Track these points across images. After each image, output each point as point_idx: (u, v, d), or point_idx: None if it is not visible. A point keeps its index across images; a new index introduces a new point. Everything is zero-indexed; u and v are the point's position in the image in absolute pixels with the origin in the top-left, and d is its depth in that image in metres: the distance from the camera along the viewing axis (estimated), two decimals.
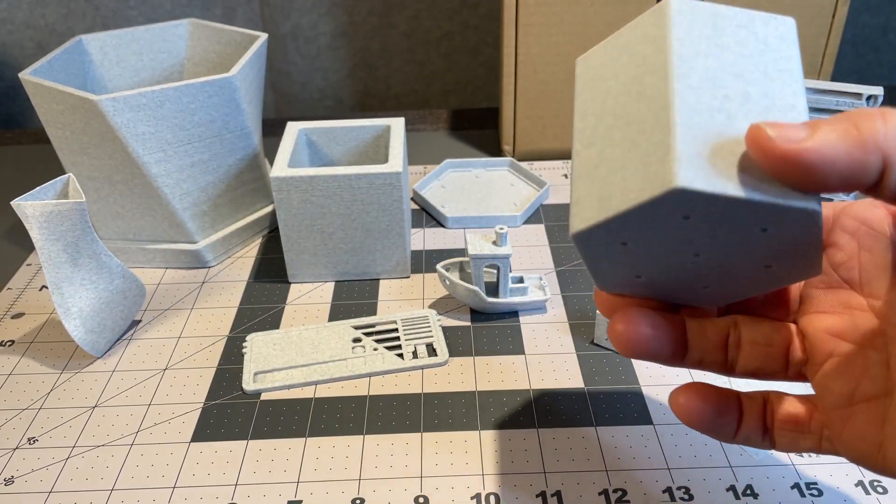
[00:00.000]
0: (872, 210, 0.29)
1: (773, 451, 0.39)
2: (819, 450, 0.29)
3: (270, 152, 0.65)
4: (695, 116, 0.25)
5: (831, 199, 0.27)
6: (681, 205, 0.24)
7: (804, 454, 0.39)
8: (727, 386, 0.32)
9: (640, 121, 0.26)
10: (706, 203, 0.24)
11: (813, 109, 0.52)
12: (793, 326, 0.30)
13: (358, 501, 0.38)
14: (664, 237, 0.26)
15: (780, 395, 0.31)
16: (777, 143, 0.23)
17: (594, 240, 0.27)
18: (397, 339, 0.48)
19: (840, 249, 0.29)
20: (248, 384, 0.45)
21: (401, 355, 0.47)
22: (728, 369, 0.31)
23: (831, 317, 0.29)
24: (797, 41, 0.27)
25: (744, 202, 0.23)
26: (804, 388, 0.31)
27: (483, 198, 0.63)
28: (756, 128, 0.23)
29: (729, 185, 0.23)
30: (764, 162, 0.23)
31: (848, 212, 0.29)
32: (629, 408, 0.43)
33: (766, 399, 0.31)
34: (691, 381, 0.32)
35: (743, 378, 0.31)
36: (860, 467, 0.31)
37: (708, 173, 0.23)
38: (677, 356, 0.30)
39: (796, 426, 0.30)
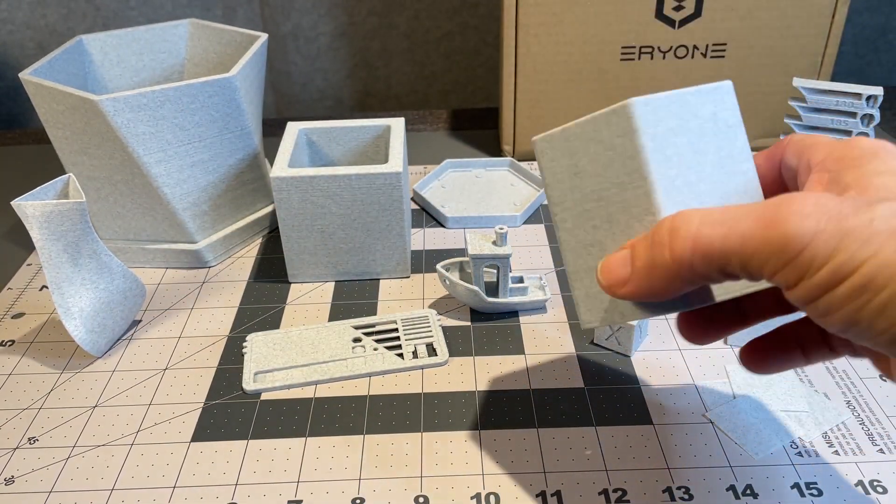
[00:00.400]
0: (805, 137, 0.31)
1: (772, 452, 0.40)
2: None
3: (270, 152, 0.65)
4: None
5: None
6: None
7: (805, 454, 0.39)
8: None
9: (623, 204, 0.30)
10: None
11: (814, 109, 0.52)
12: None
13: (358, 501, 0.38)
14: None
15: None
16: (611, 290, 0.29)
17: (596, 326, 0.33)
18: (397, 339, 0.48)
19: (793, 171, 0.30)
20: (249, 384, 0.45)
21: (401, 355, 0.47)
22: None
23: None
24: (738, 116, 0.30)
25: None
26: None
27: (483, 198, 0.63)
28: (597, 275, 0.29)
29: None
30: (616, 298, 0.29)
31: (788, 149, 0.31)
32: (629, 408, 0.43)
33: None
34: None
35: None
36: None
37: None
38: (739, 322, 0.33)
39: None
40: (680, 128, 0.29)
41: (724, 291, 0.29)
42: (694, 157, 0.29)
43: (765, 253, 0.24)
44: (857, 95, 0.50)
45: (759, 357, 0.33)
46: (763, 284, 0.27)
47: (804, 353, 0.32)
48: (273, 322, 0.51)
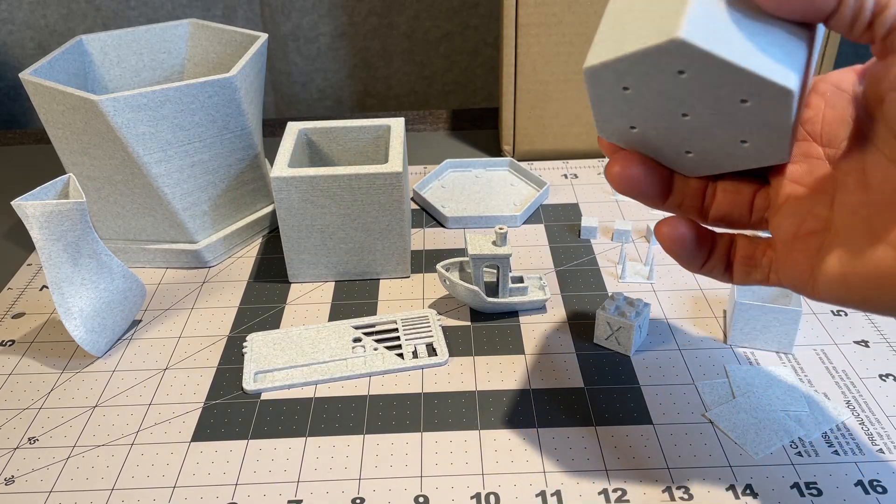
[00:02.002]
0: (843, 74, 0.32)
1: (772, 451, 0.40)
2: (767, 282, 0.33)
3: (271, 152, 0.65)
4: None
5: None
6: (678, 58, 0.27)
7: (804, 454, 0.39)
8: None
9: None
10: (700, 60, 0.27)
11: None
12: (759, 181, 0.34)
13: (358, 501, 0.38)
14: (660, 90, 0.29)
15: (744, 236, 0.35)
16: None
17: (602, 78, 0.30)
18: (397, 338, 0.48)
19: (809, 108, 0.32)
20: (249, 384, 0.45)
21: (401, 355, 0.47)
22: (703, 215, 0.34)
23: (792, 165, 0.32)
24: None
25: (731, 67, 0.26)
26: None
27: (483, 198, 0.63)
28: None
29: (723, 48, 0.26)
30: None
31: (824, 78, 0.32)
32: (629, 408, 0.43)
33: (732, 239, 0.35)
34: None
35: (714, 225, 0.35)
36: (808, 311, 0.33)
37: (709, 34, 0.26)
38: (662, 197, 0.34)
39: (751, 261, 0.34)
40: None
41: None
42: None
43: None
44: None
45: (677, 234, 0.34)
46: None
47: (725, 264, 0.34)
48: (273, 322, 0.51)
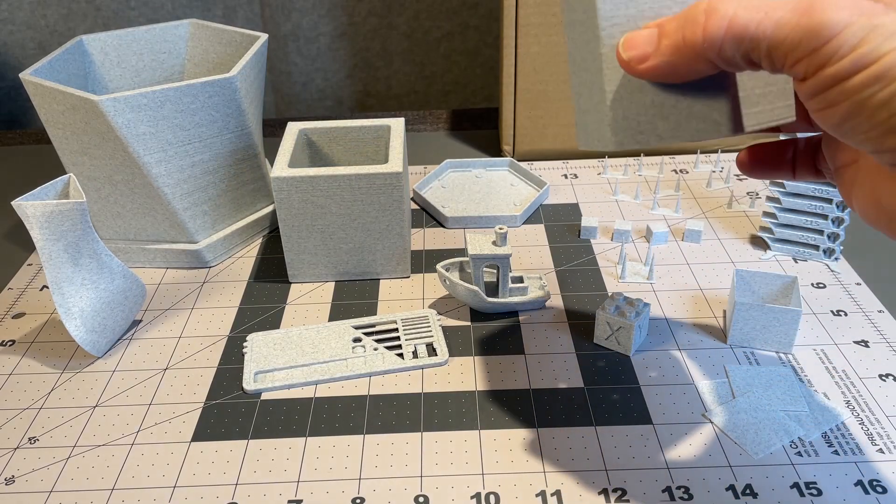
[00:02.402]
0: None
1: (771, 451, 0.40)
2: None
3: (271, 152, 0.65)
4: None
5: None
6: None
7: (804, 454, 0.39)
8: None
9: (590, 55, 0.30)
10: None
11: None
12: None
13: (358, 501, 0.38)
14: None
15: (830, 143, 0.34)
16: (630, 65, 0.28)
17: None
18: (397, 338, 0.48)
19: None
20: (249, 384, 0.45)
21: (401, 355, 0.47)
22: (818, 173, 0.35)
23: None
24: None
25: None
26: None
27: (483, 198, 0.63)
28: (617, 52, 0.29)
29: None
30: (630, 74, 0.29)
31: None
32: (629, 407, 0.43)
33: (817, 147, 0.35)
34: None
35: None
36: None
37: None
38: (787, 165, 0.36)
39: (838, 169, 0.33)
40: None
41: (753, 121, 0.30)
42: None
43: (795, 39, 0.25)
44: None
45: (753, 160, 0.36)
46: (781, 114, 0.30)
47: (793, 169, 0.36)
48: (273, 322, 0.51)
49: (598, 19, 0.29)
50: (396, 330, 0.49)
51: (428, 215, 0.62)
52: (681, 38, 0.27)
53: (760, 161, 0.36)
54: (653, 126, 0.29)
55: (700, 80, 0.29)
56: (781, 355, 0.46)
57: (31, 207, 0.43)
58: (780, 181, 0.54)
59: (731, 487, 0.38)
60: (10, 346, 0.50)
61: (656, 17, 0.29)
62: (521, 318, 0.50)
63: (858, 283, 0.52)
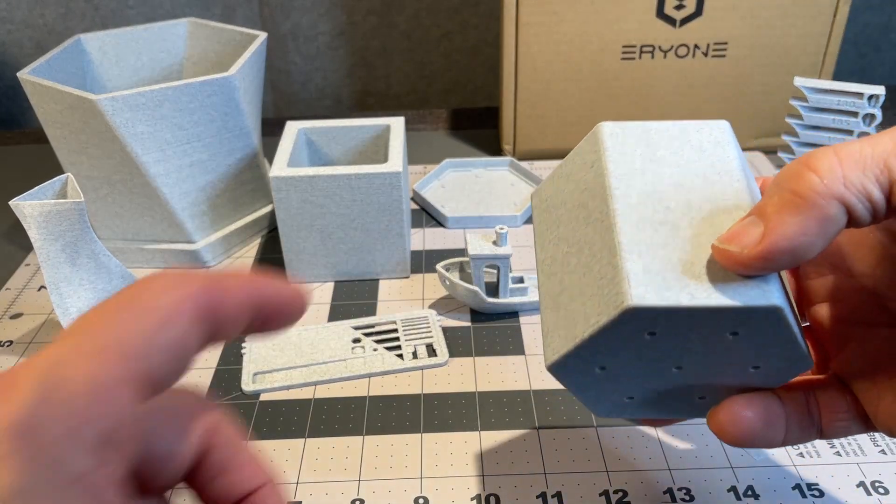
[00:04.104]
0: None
1: (773, 452, 0.39)
2: (867, 430, 0.29)
3: (270, 152, 0.65)
4: (639, 233, 0.25)
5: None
6: (641, 322, 0.24)
7: (806, 455, 0.39)
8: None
9: (590, 245, 0.26)
10: (665, 317, 0.24)
11: (815, 109, 0.51)
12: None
13: (358, 502, 0.38)
14: (638, 355, 0.26)
15: (824, 387, 0.29)
16: (743, 254, 0.23)
17: (570, 368, 0.27)
18: (397, 339, 0.48)
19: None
20: (248, 385, 0.45)
21: (401, 356, 0.47)
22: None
23: (830, 305, 0.29)
24: (734, 141, 0.28)
25: (701, 310, 0.23)
26: None
27: (483, 198, 0.63)
28: (718, 250, 0.24)
29: (682, 296, 0.23)
30: (742, 271, 0.23)
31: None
32: None
33: (809, 393, 0.29)
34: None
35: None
36: None
37: (660, 287, 0.24)
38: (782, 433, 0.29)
39: (843, 414, 0.29)
40: (650, 155, 0.27)
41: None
42: (668, 189, 0.26)
43: None
44: (859, 95, 0.50)
45: (741, 419, 0.28)
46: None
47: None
48: None
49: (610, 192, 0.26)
50: (396, 330, 0.49)
51: (428, 215, 0.62)
52: (790, 195, 0.22)
53: (751, 415, 0.28)
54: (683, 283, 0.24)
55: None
56: None
57: (29, 207, 0.43)
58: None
59: (733, 489, 0.37)
60: (7, 346, 0.49)
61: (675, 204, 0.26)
62: (521, 318, 0.50)
63: None
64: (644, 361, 0.26)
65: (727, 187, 0.26)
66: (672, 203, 0.26)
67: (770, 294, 0.23)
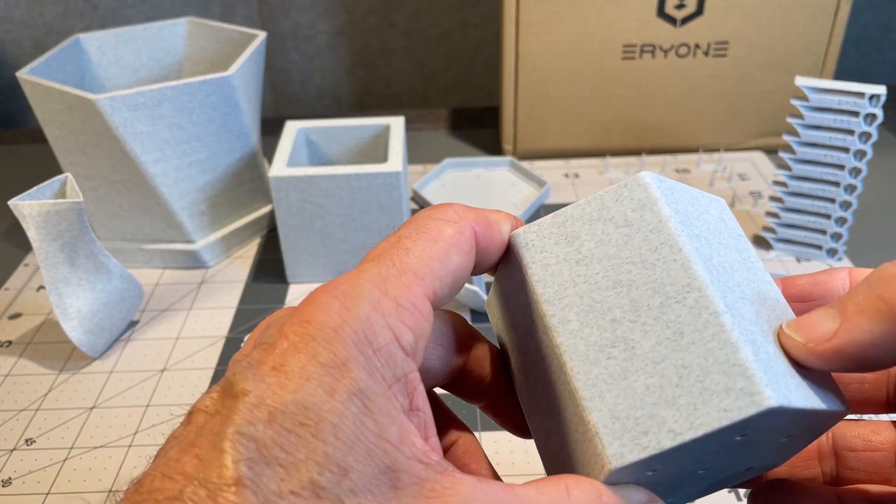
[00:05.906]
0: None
1: None
2: None
3: (269, 152, 0.64)
4: (593, 367, 0.22)
5: None
6: (635, 471, 0.21)
7: None
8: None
9: (553, 386, 0.23)
10: (657, 459, 0.21)
11: (816, 108, 0.51)
12: None
13: None
14: (654, 482, 0.23)
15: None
16: (807, 348, 0.21)
17: (628, 472, 0.22)
18: None
19: None
20: None
21: None
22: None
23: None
24: (658, 193, 0.24)
25: (690, 443, 0.20)
26: None
27: (483, 198, 0.63)
28: (786, 336, 0.22)
29: (663, 437, 0.20)
30: (807, 363, 0.22)
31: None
32: None
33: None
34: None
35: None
36: None
37: (635, 434, 0.21)
38: None
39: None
40: (696, 212, 0.24)
41: None
42: (718, 246, 0.24)
43: None
44: (860, 94, 0.50)
45: None
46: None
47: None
48: None
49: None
50: None
51: None
52: (879, 301, 0.20)
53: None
54: (663, 426, 0.21)
55: None
56: None
57: (28, 207, 0.43)
58: (783, 181, 0.53)
59: (734, 489, 0.37)
60: (6, 346, 0.49)
61: (617, 284, 0.23)
62: None
63: None
64: (667, 478, 0.23)
65: (669, 265, 0.22)
66: (617, 312, 0.22)
67: (760, 394, 0.20)
